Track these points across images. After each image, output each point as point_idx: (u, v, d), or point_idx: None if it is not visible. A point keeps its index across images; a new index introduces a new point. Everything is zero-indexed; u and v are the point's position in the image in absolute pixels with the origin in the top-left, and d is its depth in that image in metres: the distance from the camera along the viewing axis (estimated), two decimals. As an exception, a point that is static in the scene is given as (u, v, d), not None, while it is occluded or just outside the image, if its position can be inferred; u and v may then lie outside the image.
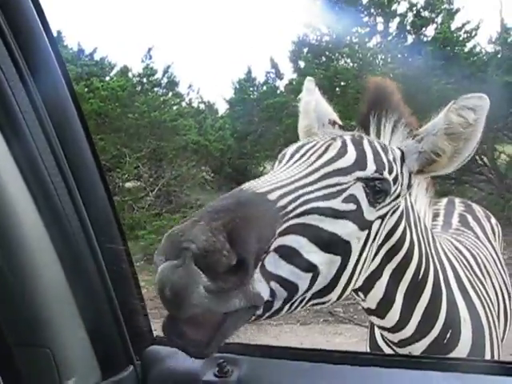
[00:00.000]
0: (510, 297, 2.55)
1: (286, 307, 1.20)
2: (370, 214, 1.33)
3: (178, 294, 0.94)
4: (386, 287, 1.54)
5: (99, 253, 0.98)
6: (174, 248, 0.97)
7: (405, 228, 1.55)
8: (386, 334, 1.72)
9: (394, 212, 1.47)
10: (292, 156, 1.41)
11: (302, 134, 1.81)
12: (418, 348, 1.69)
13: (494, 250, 2.83)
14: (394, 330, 1.65)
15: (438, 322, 1.68)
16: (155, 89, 12.71)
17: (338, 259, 1.26)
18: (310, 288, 1.22)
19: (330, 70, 11.13)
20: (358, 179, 1.31)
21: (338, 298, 1.37)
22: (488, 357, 1.83)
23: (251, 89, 14.84)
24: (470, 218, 2.96)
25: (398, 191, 1.43)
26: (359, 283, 1.44)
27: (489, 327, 1.88)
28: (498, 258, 2.75)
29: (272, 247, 1.10)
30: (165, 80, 13.06)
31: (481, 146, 10.07)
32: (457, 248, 2.20)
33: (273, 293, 1.11)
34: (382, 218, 1.40)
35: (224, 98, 15.89)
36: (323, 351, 1.05)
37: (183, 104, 14.24)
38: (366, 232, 1.34)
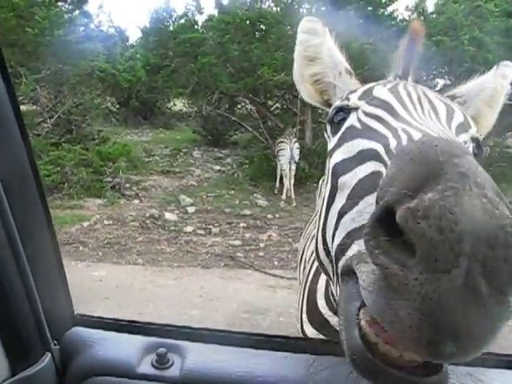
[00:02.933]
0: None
1: None
2: None
3: (470, 340, 0.65)
4: None
5: (7, 211, 0.75)
6: (447, 251, 0.63)
7: None
8: None
9: None
10: (402, 104, 1.14)
11: (307, 86, 1.52)
12: None
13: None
14: None
15: None
16: (59, 3, 11.34)
17: None
18: None
19: (254, 11, 10.73)
20: (471, 139, 1.14)
21: None
22: None
23: (168, 20, 13.87)
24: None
25: None
26: None
27: None
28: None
29: None
30: (72, -5, 11.67)
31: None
32: None
33: None
34: None
35: (137, 26, 14.76)
36: (281, 337, 0.94)
37: (91, 26, 12.96)
38: None
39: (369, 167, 0.99)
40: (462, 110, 1.19)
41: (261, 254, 7.44)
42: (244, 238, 8.00)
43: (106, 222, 8.19)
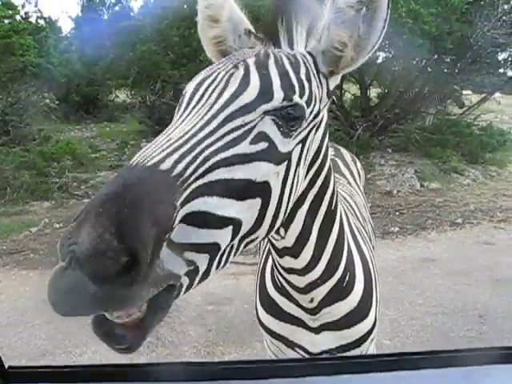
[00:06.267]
0: (374, 239, 2.70)
1: (215, 264, 1.11)
2: (285, 145, 1.21)
3: (66, 296, 0.89)
4: (305, 218, 1.46)
5: None
6: (63, 251, 0.90)
7: (327, 145, 1.46)
8: (293, 278, 1.63)
9: (317, 128, 1.35)
10: (191, 99, 1.23)
11: (209, 47, 1.55)
12: (321, 292, 1.66)
13: (363, 195, 2.95)
14: (305, 271, 1.58)
15: (341, 263, 1.66)
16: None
17: (258, 201, 1.16)
18: (233, 238, 1.13)
19: (190, -5, 10.42)
20: (265, 113, 1.17)
21: (268, 233, 1.27)
22: (374, 297, 1.87)
23: (101, 8, 13.26)
24: (340, 163, 3.01)
25: (315, 110, 1.31)
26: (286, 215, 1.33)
27: (373, 271, 1.92)
28: (366, 203, 2.88)
29: (177, 220, 0.98)
30: (-9, -14, 10.93)
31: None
32: (340, 194, 2.20)
33: (191, 262, 1.03)
34: (303, 142, 1.28)
35: (69, 16, 14.03)
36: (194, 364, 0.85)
37: (17, 18, 12.17)
38: (285, 163, 1.23)
39: None
40: (269, 79, 1.20)
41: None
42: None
43: (56, 226, 7.84)
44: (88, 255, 0.85)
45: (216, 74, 1.25)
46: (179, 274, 1.00)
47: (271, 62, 1.25)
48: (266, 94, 1.18)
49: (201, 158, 1.05)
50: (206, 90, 1.22)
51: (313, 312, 1.75)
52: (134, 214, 0.89)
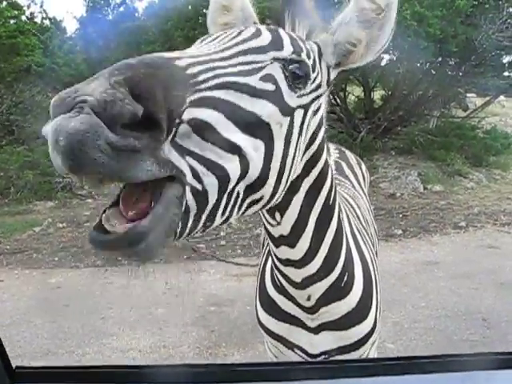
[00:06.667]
0: (378, 243, 2.70)
1: (222, 206, 1.09)
2: (290, 98, 1.25)
3: (76, 141, 0.78)
4: (301, 207, 1.49)
5: None
6: (67, 103, 0.82)
7: (323, 138, 1.49)
8: (290, 271, 1.64)
9: (315, 112, 1.40)
10: (203, 40, 1.30)
11: (216, 31, 1.62)
12: (318, 289, 1.66)
13: (367, 198, 2.94)
14: (301, 262, 1.59)
15: (339, 260, 1.66)
16: (-16, -4, 10.65)
17: (260, 144, 1.16)
18: (241, 176, 1.11)
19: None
20: (275, 59, 1.23)
21: (271, 198, 1.27)
22: (374, 299, 1.88)
23: (106, 8, 13.29)
24: (344, 165, 3.01)
25: (318, 81, 1.38)
26: (284, 191, 1.34)
27: (374, 273, 1.93)
28: (370, 206, 2.87)
29: (185, 117, 0.95)
30: (-3, -14, 10.98)
31: (334, 86, 10.58)
32: (343, 196, 2.20)
33: (195, 172, 0.99)
34: (305, 108, 1.32)
35: (74, 16, 14.07)
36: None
37: (23, 18, 12.24)
38: (288, 119, 1.25)
39: None
40: (280, 36, 1.28)
41: (222, 242, 7.36)
42: (204, 228, 7.87)
43: (59, 225, 7.86)
44: (104, 101, 0.80)
45: (228, 29, 1.33)
46: (181, 168, 0.96)
47: (281, 30, 1.34)
48: (276, 43, 1.26)
49: (215, 73, 1.07)
50: (219, 36, 1.28)
51: (311, 311, 1.75)
52: (150, 83, 0.87)
